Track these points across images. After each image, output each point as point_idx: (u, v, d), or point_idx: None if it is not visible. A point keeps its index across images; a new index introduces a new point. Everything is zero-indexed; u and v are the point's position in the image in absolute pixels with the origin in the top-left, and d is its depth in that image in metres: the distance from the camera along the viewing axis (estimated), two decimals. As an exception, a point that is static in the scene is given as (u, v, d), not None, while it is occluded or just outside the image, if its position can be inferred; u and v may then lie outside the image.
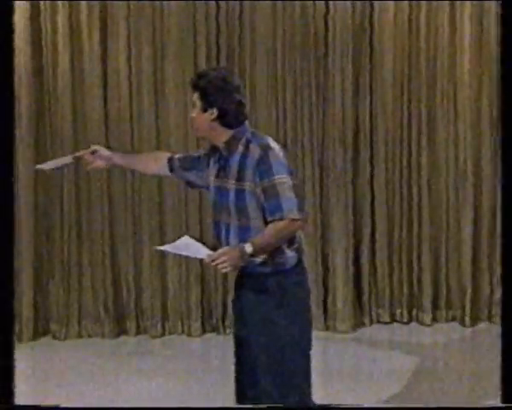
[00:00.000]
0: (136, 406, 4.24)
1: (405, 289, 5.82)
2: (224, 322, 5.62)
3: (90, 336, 5.56)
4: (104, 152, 3.37)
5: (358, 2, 5.61)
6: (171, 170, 3.28)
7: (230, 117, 2.99)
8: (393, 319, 5.82)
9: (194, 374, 4.87)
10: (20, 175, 5.33)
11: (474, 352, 5.47)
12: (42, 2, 5.39)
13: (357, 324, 5.74)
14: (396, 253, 5.82)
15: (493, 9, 5.59)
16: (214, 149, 3.11)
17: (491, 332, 5.54)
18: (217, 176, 3.07)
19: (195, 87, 3.03)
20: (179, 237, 2.96)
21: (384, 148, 5.74)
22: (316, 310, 5.46)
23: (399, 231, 5.80)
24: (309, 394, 3.15)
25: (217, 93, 2.96)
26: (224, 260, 2.78)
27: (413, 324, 5.81)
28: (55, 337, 5.58)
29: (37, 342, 5.51)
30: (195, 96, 3.03)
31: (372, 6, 5.65)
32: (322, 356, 5.19)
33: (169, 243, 3.07)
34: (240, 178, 2.96)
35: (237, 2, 5.50)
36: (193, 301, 5.60)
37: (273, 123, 5.57)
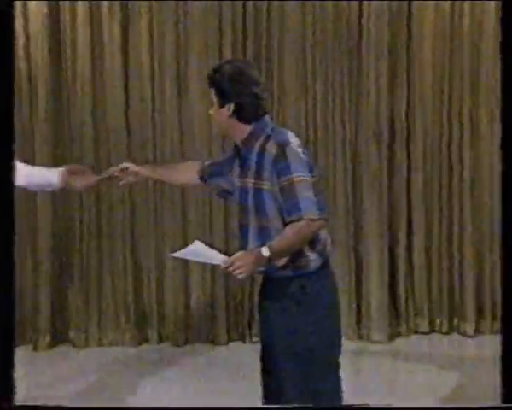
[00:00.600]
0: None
1: (446, 297, 5.55)
2: (250, 329, 5.44)
3: (110, 344, 5.42)
4: (134, 168, 3.38)
5: (396, -13, 5.36)
6: (202, 179, 3.24)
7: (247, 111, 2.90)
8: (433, 329, 5.57)
9: (219, 384, 4.73)
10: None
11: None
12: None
13: (393, 333, 5.50)
14: (435, 257, 5.56)
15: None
16: (237, 148, 3.03)
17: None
18: (239, 176, 3.00)
19: (211, 83, 2.96)
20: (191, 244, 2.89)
21: (422, 145, 5.49)
22: (347, 318, 5.30)
23: (439, 233, 5.54)
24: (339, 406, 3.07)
25: (232, 87, 2.89)
26: (239, 265, 2.70)
27: (454, 335, 5.54)
28: (74, 345, 5.44)
29: (55, 350, 5.38)
30: (212, 91, 2.96)
31: (411, -10, 5.40)
32: (354, 368, 4.94)
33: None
34: (258, 176, 2.88)
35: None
36: (218, 307, 5.44)
37: (302, 119, 5.38)
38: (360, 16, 5.36)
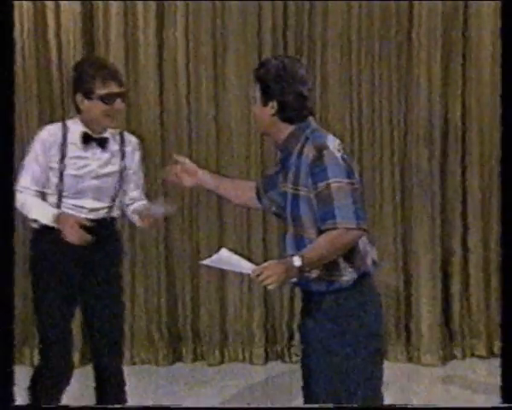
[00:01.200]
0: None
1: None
2: (289, 349, 5.23)
3: (143, 362, 5.24)
4: (191, 166, 3.20)
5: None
6: (259, 198, 3.12)
7: (291, 111, 2.81)
8: (491, 353, 5.22)
9: (257, 406, 4.59)
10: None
11: None
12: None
13: (447, 356, 5.20)
14: (494, 272, 5.22)
15: None
16: (279, 153, 2.96)
17: None
18: (282, 181, 2.90)
19: (256, 78, 2.88)
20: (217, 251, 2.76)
21: (478, 149, 5.19)
22: (395, 338, 5.07)
23: (497, 245, 5.18)
24: None
25: (276, 84, 2.80)
26: (269, 274, 2.61)
27: (517, 360, 5.13)
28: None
29: (85, 368, 4.94)
30: (256, 87, 2.88)
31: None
32: (403, 393, 4.63)
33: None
34: (295, 181, 2.79)
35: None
36: (255, 324, 5.24)
37: (346, 119, 5.13)
38: (411, 10, 5.06)
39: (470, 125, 5.16)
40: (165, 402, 4.56)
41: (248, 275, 2.67)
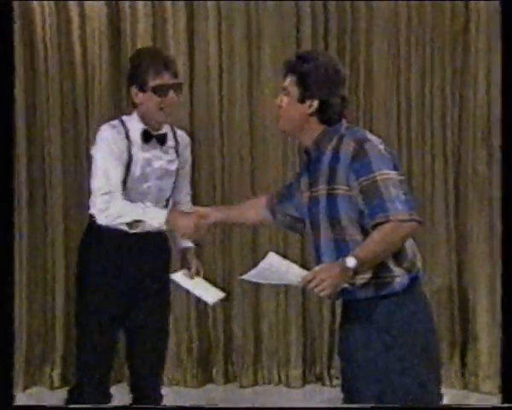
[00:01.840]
0: None
1: None
2: (329, 370, 4.99)
3: (171, 384, 4.95)
4: (201, 211, 3.15)
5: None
6: (272, 212, 3.05)
7: (332, 113, 2.73)
8: None
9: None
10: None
11: None
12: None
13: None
14: None
15: None
16: (306, 155, 2.85)
17: None
18: (309, 187, 2.80)
19: (293, 70, 2.75)
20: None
21: None
22: (450, 362, 4.79)
23: None
24: None
25: (322, 83, 2.70)
26: (322, 279, 2.49)
27: None
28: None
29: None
30: (291, 80, 2.75)
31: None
32: None
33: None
34: (331, 180, 2.69)
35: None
36: (292, 343, 5.00)
37: (393, 120, 4.87)
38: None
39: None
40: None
41: (295, 286, 2.58)
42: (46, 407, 3.35)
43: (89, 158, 4.70)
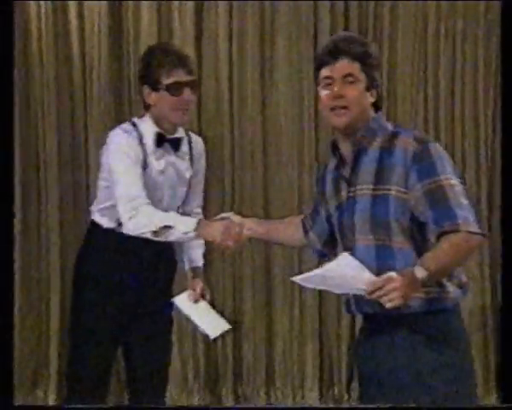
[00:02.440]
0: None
1: None
2: (349, 391, 4.84)
3: (176, 406, 4.77)
4: (238, 220, 2.94)
5: None
6: (305, 232, 2.87)
7: (381, 102, 2.65)
8: None
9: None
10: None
11: None
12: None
13: None
14: None
15: None
16: (338, 152, 2.66)
17: None
18: (336, 191, 2.63)
19: (353, 55, 2.54)
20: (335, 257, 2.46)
21: None
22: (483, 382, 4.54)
23: None
24: None
25: (378, 70, 2.62)
26: (394, 288, 2.31)
27: None
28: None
29: None
30: (356, 67, 2.54)
31: None
32: None
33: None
34: (380, 180, 2.51)
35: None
36: (308, 362, 4.85)
37: (420, 114, 4.74)
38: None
39: None
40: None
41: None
42: (46, 407, 3.32)
43: (87, 158, 4.53)
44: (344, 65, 2.52)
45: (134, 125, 3.09)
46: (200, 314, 3.12)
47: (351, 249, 2.57)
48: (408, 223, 2.50)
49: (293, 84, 4.70)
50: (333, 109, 2.51)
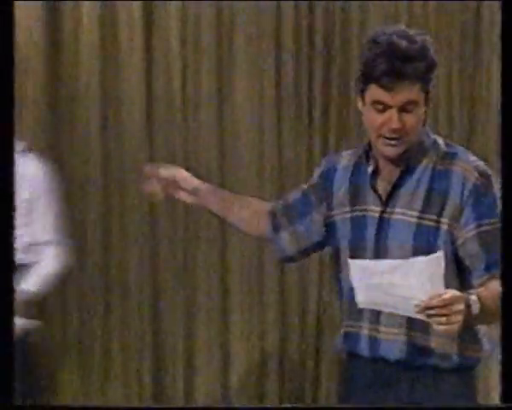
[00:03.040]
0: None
1: None
2: None
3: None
4: (192, 181, 2.64)
5: None
6: (275, 229, 2.51)
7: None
8: None
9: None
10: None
11: None
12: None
13: None
14: None
15: None
16: (352, 161, 2.41)
17: None
18: (356, 202, 2.34)
19: (417, 76, 2.21)
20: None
21: None
22: None
23: None
24: None
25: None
26: (461, 310, 2.04)
27: None
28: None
29: None
30: (417, 89, 2.21)
31: None
32: None
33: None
34: (429, 207, 2.26)
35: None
36: (268, 388, 4.46)
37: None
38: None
39: None
40: None
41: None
42: (46, 406, 3.24)
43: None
44: (404, 91, 2.21)
45: None
46: None
47: None
48: (451, 264, 2.25)
49: (254, 92, 4.48)
50: (385, 137, 2.22)
